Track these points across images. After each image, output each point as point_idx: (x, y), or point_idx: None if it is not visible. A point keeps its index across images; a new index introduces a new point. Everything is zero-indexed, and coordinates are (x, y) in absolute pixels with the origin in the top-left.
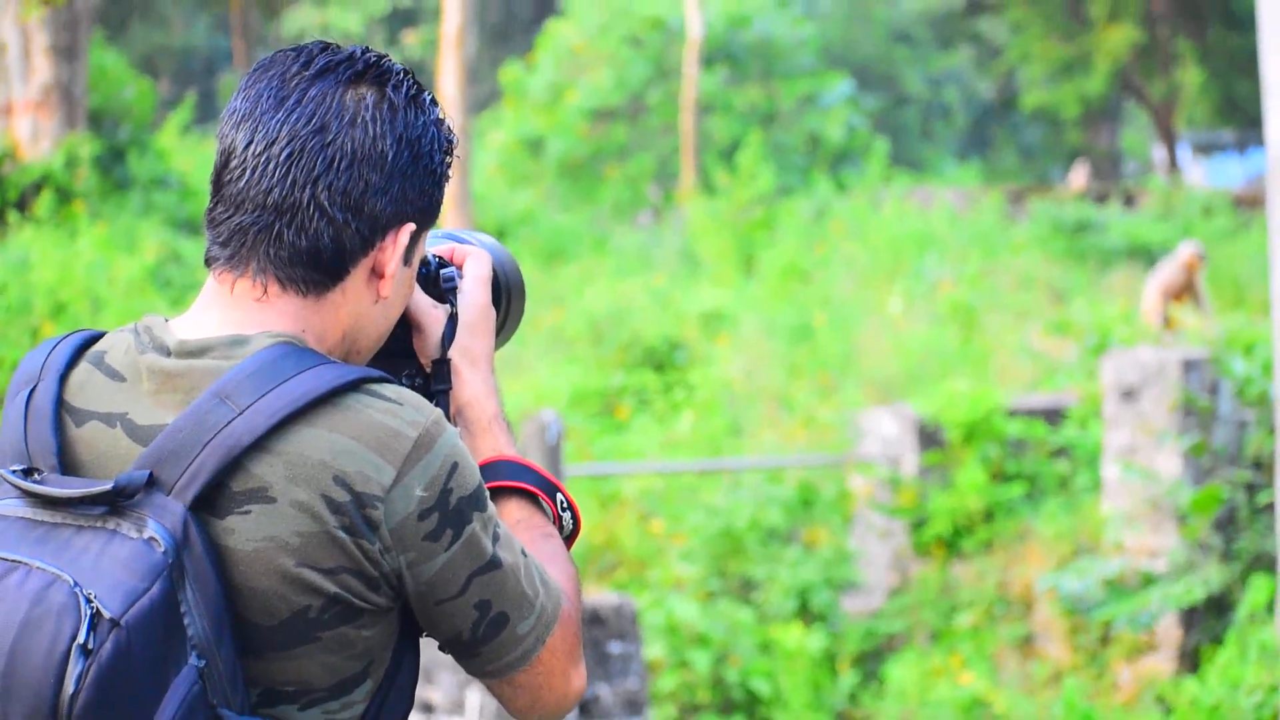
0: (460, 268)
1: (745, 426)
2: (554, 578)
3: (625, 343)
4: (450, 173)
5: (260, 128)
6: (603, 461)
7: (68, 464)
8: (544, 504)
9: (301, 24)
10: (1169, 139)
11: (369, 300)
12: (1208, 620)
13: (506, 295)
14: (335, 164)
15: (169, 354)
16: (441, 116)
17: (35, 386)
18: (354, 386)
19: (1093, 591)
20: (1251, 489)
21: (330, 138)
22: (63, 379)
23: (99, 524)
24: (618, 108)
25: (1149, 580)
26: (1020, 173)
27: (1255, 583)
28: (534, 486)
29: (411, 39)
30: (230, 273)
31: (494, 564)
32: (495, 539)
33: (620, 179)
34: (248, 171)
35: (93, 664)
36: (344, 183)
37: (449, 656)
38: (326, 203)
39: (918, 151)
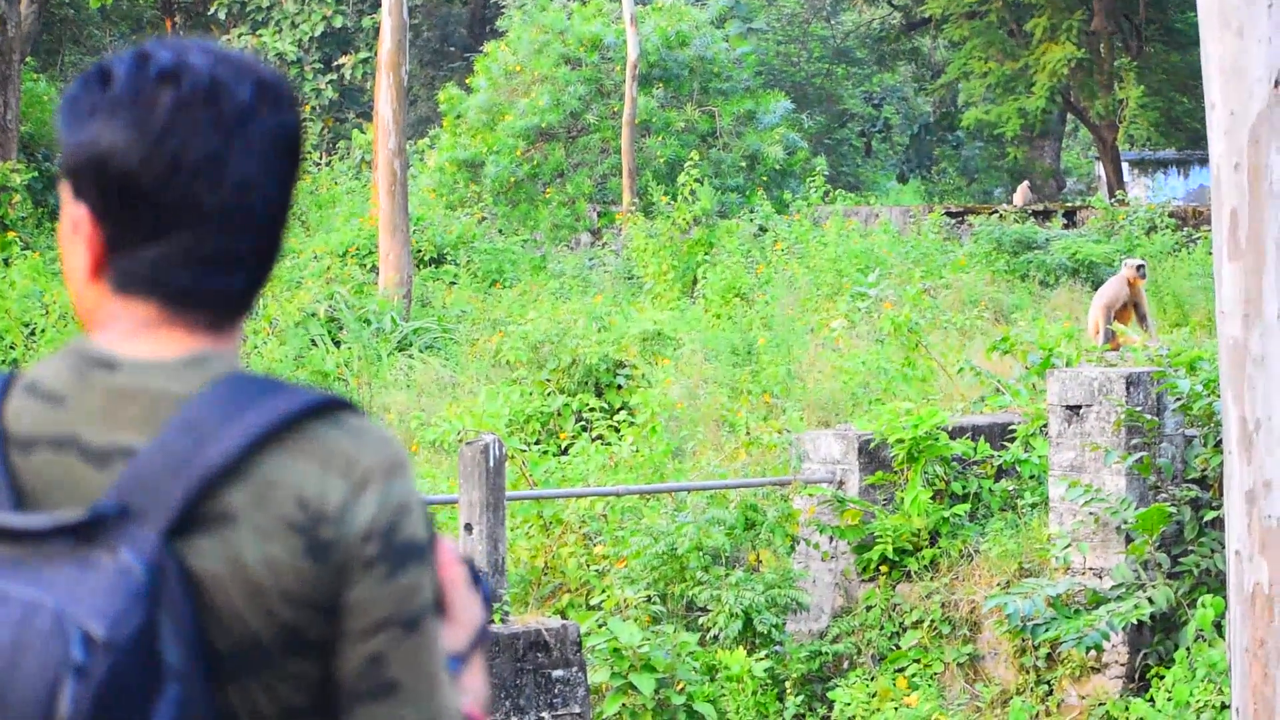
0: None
1: (687, 448)
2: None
3: (565, 365)
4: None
5: (187, 163)
6: (544, 486)
7: (22, 496)
8: None
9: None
10: (1110, 156)
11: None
12: (1155, 639)
13: None
14: (269, 196)
15: (108, 371)
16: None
17: None
18: (320, 412)
19: (1039, 611)
20: (1197, 506)
21: (259, 166)
22: None
23: (70, 554)
24: (555, 128)
25: (1096, 599)
26: (962, 191)
27: (1204, 601)
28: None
29: (347, 62)
30: (159, 307)
31: (409, 628)
32: (424, 611)
33: (559, 200)
34: (165, 214)
35: (88, 685)
36: (277, 211)
37: None
38: (264, 236)
39: (858, 170)
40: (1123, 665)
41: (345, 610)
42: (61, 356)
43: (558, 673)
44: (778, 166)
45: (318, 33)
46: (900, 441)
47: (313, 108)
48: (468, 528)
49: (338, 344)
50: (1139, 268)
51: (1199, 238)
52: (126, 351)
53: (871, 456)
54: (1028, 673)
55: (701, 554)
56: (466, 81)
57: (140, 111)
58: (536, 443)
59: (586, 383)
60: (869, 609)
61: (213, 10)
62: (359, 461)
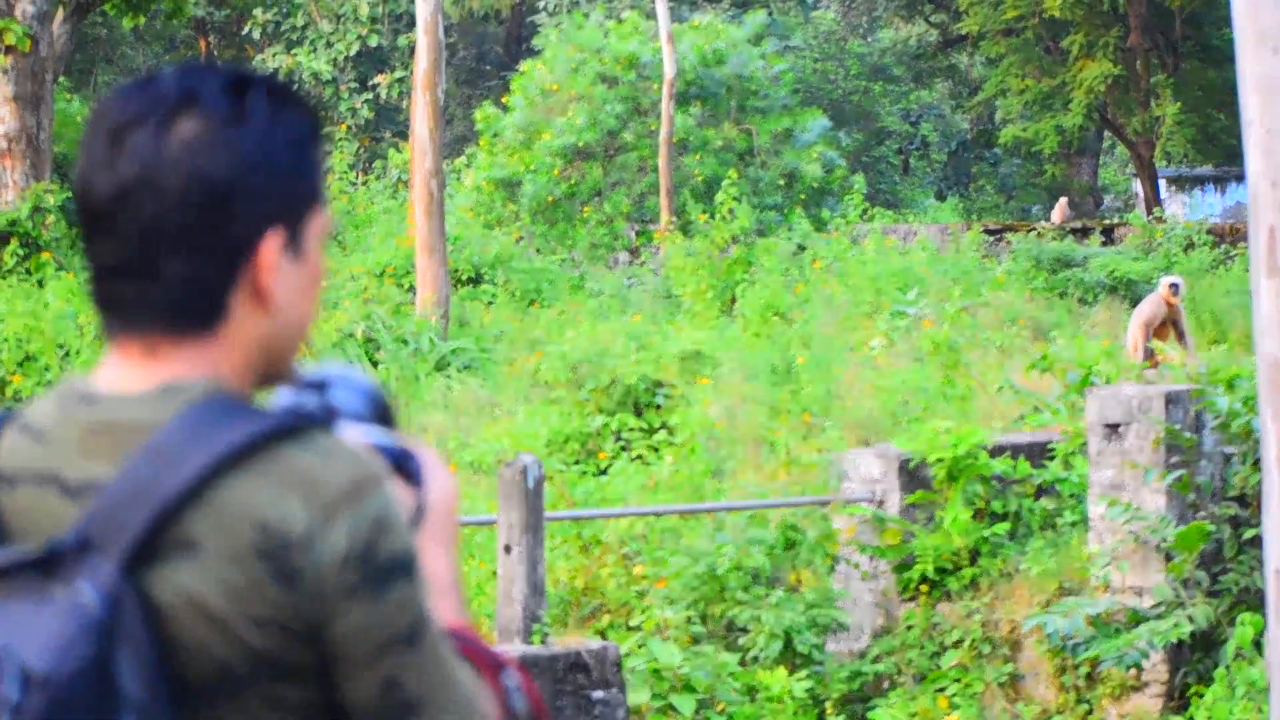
0: (420, 456)
1: (727, 468)
2: (485, 706)
3: (604, 385)
4: (314, 155)
5: (97, 192)
6: (583, 506)
7: (5, 531)
8: (485, 677)
9: (270, 67)
10: (1148, 173)
11: (263, 318)
12: (1195, 658)
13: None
14: (171, 208)
15: (89, 407)
16: (270, 113)
17: None
18: (285, 435)
19: (1079, 630)
20: (1236, 524)
21: (158, 184)
22: None
23: (32, 588)
24: (592, 147)
25: (1136, 618)
26: (1000, 209)
27: (1243, 619)
28: (481, 658)
29: (383, 81)
30: (123, 336)
31: (411, 643)
32: (420, 617)
33: (596, 219)
34: (97, 239)
35: None
36: (183, 222)
37: None
38: (175, 249)
39: (896, 188)
40: (1163, 684)
41: (340, 641)
42: (54, 393)
43: (598, 694)
44: (816, 184)
45: (353, 52)
46: (940, 460)
47: (349, 127)
48: (506, 549)
49: (375, 365)
50: (1173, 286)
51: (1236, 254)
52: (106, 385)
53: (911, 475)
54: (1068, 692)
55: (741, 574)
56: (503, 100)
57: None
58: (575, 463)
59: (625, 402)
60: (909, 628)
61: (247, 30)
62: (325, 483)
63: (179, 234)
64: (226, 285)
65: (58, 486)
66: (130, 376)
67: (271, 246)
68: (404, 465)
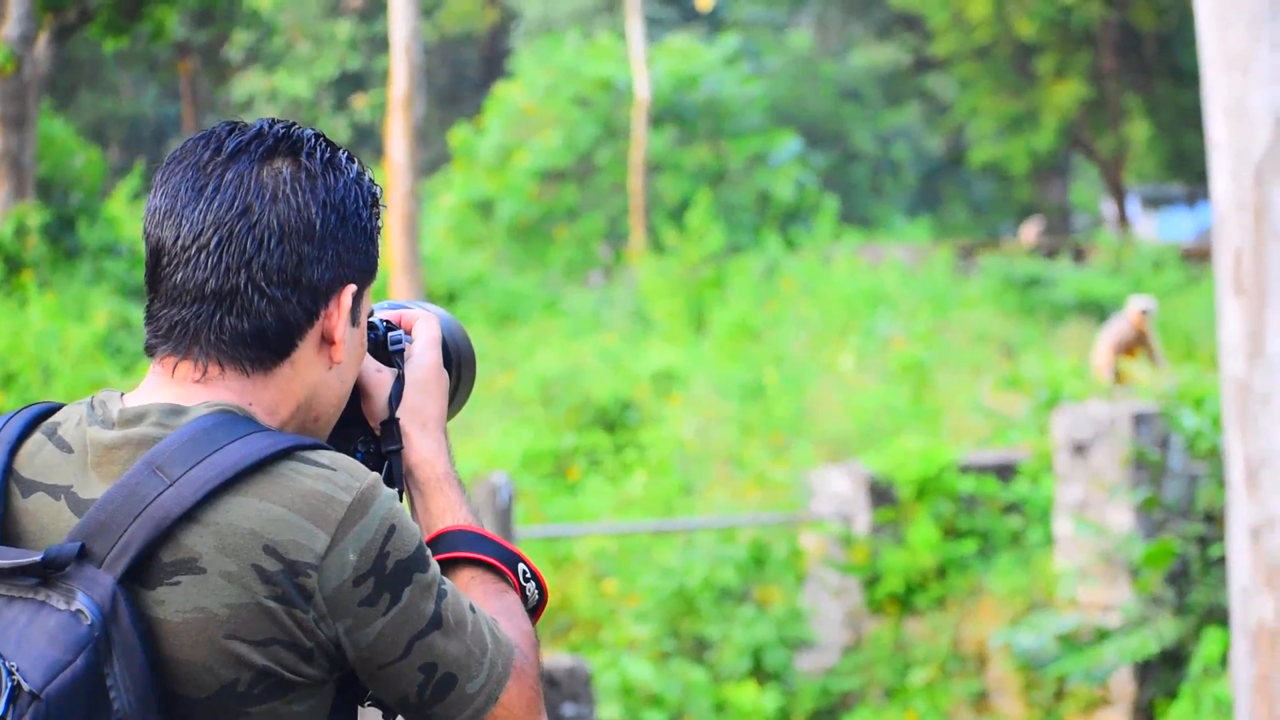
0: (409, 331)
1: (697, 486)
2: (506, 633)
3: (577, 404)
4: (379, 224)
5: (185, 221)
6: (555, 523)
7: (11, 534)
8: (505, 576)
9: (250, 90)
10: (1118, 193)
11: (322, 368)
12: (1162, 674)
13: (457, 365)
14: (265, 243)
15: (111, 426)
16: (360, 171)
17: None
18: (286, 454)
19: (1047, 647)
20: (1203, 542)
21: (255, 218)
22: (14, 450)
23: (30, 595)
24: (567, 168)
25: (1103, 635)
26: (971, 228)
27: (1209, 636)
28: (493, 558)
29: (360, 103)
30: (172, 357)
31: (436, 625)
32: (439, 599)
33: (570, 240)
34: (180, 266)
35: None
36: (278, 259)
37: None
38: (264, 282)
39: (868, 208)
40: (1130, 701)
41: (369, 648)
42: (84, 406)
43: (568, 710)
44: (788, 205)
45: (332, 74)
46: (908, 479)
47: None
48: None
49: None
50: (1144, 312)
51: (1206, 274)
52: (129, 404)
53: (880, 493)
54: (1036, 708)
55: (711, 591)
56: (478, 122)
57: None
58: (548, 481)
59: (598, 421)
60: (877, 645)
61: (228, 53)
62: (330, 502)
63: (272, 269)
64: (301, 327)
65: (70, 500)
66: (171, 396)
67: (348, 296)
68: (387, 341)
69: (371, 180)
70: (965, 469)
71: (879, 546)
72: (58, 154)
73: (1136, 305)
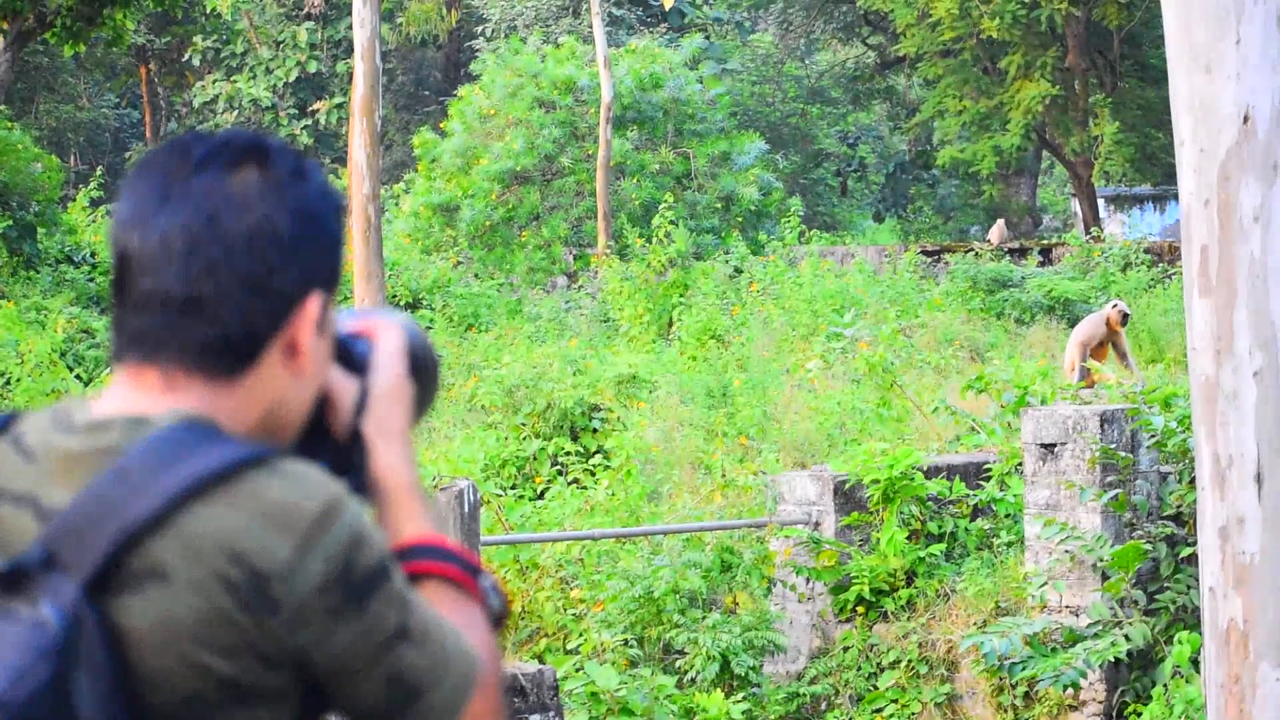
0: (373, 340)
1: (663, 491)
2: (470, 644)
3: (541, 409)
4: (344, 234)
5: (152, 229)
6: (520, 530)
7: None
8: (467, 588)
9: (210, 95)
10: (1086, 193)
11: (288, 377)
12: (1133, 676)
13: (420, 374)
14: (233, 251)
15: (76, 434)
16: (326, 180)
17: None
18: (252, 463)
19: (1016, 650)
20: (1173, 542)
21: (223, 226)
22: None
23: None
24: (530, 172)
25: (1073, 637)
26: (938, 230)
27: (1180, 637)
28: (455, 569)
29: (321, 107)
30: (138, 365)
31: (402, 636)
32: (404, 610)
33: (534, 244)
34: (147, 274)
35: None
36: (245, 267)
37: None
38: (231, 291)
39: (834, 210)
40: (1100, 703)
41: (335, 659)
42: (49, 412)
43: (534, 718)
44: (753, 207)
45: (292, 79)
46: (875, 482)
47: None
48: None
49: None
50: (1124, 315)
51: (1174, 273)
52: (94, 413)
53: (847, 497)
54: (1005, 712)
55: (678, 597)
56: (441, 126)
57: None
58: (512, 487)
59: (562, 426)
60: (846, 650)
61: (187, 57)
62: (298, 511)
63: (238, 277)
64: (267, 335)
65: (34, 509)
66: (137, 404)
67: (315, 305)
68: (351, 351)
69: (336, 191)
70: (933, 472)
71: (847, 551)
72: (16, 161)
73: (1116, 309)
